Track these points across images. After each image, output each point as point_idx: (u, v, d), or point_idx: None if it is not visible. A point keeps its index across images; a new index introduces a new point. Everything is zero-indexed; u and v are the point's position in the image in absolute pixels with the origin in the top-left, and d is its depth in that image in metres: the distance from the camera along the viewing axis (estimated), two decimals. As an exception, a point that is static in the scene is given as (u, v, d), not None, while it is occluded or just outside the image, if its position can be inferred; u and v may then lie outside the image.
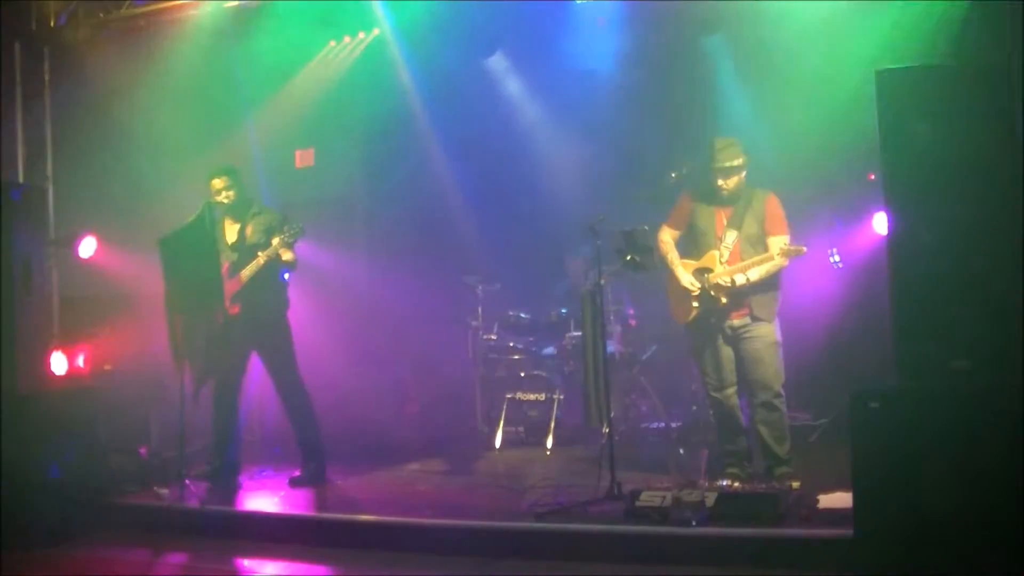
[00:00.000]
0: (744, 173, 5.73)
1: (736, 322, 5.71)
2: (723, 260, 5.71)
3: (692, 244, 5.90)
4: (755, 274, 5.61)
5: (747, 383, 5.75)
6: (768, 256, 5.58)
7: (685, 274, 5.81)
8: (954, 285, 4.16)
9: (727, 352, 5.79)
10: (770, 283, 5.66)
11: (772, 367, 5.65)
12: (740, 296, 5.68)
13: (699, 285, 5.74)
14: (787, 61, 7.13)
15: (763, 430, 5.65)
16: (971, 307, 4.13)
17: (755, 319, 5.67)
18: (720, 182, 5.71)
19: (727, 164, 5.67)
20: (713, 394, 5.87)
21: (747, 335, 5.69)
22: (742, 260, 5.67)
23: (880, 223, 6.22)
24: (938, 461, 4.02)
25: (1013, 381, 3.97)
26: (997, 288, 4.09)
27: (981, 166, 4.18)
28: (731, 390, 5.83)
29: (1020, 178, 4.11)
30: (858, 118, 5.33)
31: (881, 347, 4.77)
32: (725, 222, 5.76)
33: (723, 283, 5.65)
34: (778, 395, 5.65)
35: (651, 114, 8.03)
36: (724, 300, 5.69)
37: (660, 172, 6.21)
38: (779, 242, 5.61)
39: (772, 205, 5.73)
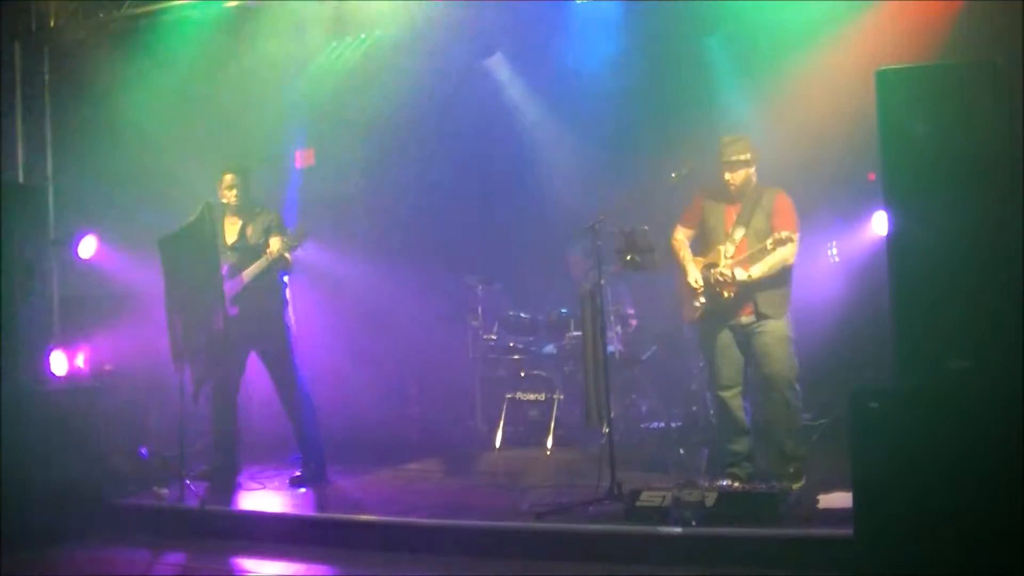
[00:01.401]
0: (752, 169, 5.76)
1: (744, 320, 5.72)
2: (728, 255, 5.72)
3: (704, 242, 5.95)
4: (758, 271, 5.61)
5: (759, 379, 5.75)
6: (762, 248, 5.57)
7: (693, 270, 5.83)
8: (954, 285, 4.16)
9: (734, 353, 5.78)
10: (777, 280, 5.66)
11: (782, 360, 5.62)
12: (746, 293, 5.68)
13: (702, 281, 5.76)
14: (787, 61, 7.12)
15: (775, 426, 5.64)
16: (971, 307, 4.12)
17: (761, 316, 5.66)
18: (728, 176, 5.74)
19: (734, 158, 5.71)
20: (719, 393, 5.87)
21: (756, 331, 5.69)
22: (748, 256, 5.69)
23: (880, 223, 6.21)
24: (938, 461, 4.02)
25: (1013, 381, 3.97)
26: (997, 288, 4.09)
27: (981, 166, 4.17)
28: (736, 390, 5.82)
29: (1020, 178, 4.11)
30: (857, 118, 5.33)
31: (881, 347, 4.77)
32: (735, 218, 5.79)
33: (723, 276, 5.64)
34: (791, 388, 5.61)
35: (651, 114, 8.02)
36: (726, 294, 5.67)
37: (660, 172, 6.21)
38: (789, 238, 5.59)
39: (781, 201, 5.73)
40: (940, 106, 4.26)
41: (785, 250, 5.58)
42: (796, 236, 5.62)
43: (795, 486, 5.46)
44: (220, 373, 6.24)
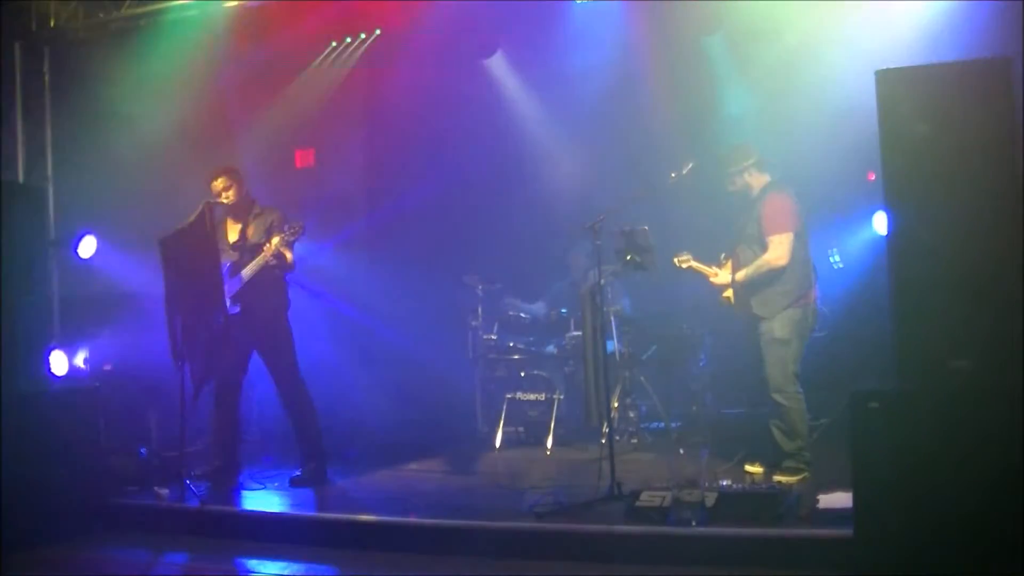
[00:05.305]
0: (746, 175, 5.93)
1: (754, 321, 5.86)
2: (723, 264, 6.10)
3: None
4: (741, 274, 5.89)
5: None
6: (754, 254, 5.81)
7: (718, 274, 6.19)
8: (954, 285, 4.16)
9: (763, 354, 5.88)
10: (766, 280, 5.76)
11: (771, 364, 5.74)
12: (744, 296, 5.88)
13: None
14: (787, 61, 7.13)
15: (772, 426, 5.77)
16: (971, 307, 4.12)
17: (756, 317, 5.83)
18: (729, 188, 5.99)
19: (726, 170, 5.96)
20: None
21: (759, 333, 5.82)
22: (740, 261, 5.93)
23: (880, 223, 6.23)
24: (938, 461, 4.02)
25: (1013, 381, 3.97)
26: (997, 288, 4.09)
27: (981, 166, 4.17)
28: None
29: (1020, 178, 4.11)
30: (858, 118, 5.32)
31: (881, 347, 4.77)
32: (743, 225, 5.97)
33: (716, 283, 6.08)
34: (779, 391, 5.70)
35: (651, 114, 8.03)
36: (723, 298, 6.01)
37: (660, 172, 6.22)
38: (770, 241, 5.71)
39: (766, 206, 5.84)
40: (940, 106, 4.26)
41: (766, 254, 5.72)
42: (779, 237, 5.70)
43: (788, 480, 5.55)
44: (221, 373, 6.24)
